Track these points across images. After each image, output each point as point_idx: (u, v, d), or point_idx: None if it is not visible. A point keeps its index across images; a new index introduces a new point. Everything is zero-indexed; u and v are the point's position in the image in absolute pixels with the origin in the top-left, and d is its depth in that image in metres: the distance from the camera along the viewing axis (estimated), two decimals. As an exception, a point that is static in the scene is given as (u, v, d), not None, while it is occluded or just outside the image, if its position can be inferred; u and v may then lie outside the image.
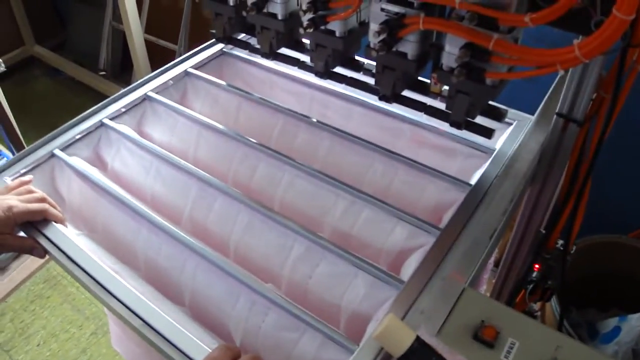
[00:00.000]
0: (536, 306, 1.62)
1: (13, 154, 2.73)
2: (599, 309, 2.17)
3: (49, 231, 1.07)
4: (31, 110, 3.94)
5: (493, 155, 1.15)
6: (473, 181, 1.10)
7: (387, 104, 1.16)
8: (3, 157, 2.74)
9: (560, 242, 1.40)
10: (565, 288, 1.42)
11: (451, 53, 0.97)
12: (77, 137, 1.30)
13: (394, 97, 1.14)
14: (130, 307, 0.92)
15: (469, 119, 1.06)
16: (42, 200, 1.11)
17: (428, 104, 1.13)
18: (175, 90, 1.47)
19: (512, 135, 1.21)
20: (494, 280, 1.69)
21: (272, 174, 1.21)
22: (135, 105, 1.40)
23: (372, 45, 1.05)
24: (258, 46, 1.32)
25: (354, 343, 0.88)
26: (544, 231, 1.38)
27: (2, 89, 2.64)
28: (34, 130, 3.51)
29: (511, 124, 1.25)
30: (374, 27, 1.03)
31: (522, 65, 0.91)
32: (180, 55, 3.29)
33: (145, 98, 1.40)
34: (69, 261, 1.02)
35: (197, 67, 1.51)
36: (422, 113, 1.14)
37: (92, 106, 1.36)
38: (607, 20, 0.75)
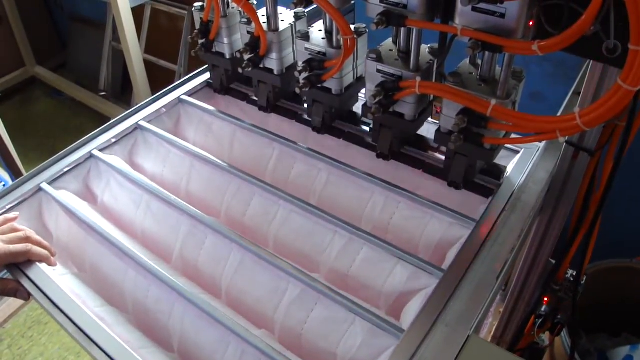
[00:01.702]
0: (545, 336, 1.56)
1: (11, 177, 2.69)
2: (609, 334, 2.11)
3: (32, 272, 1.02)
4: (32, 131, 3.91)
5: (500, 187, 1.09)
6: (478, 215, 1.04)
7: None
8: (1, 182, 2.69)
9: (571, 272, 1.35)
10: (576, 322, 1.36)
11: (448, 117, 0.97)
12: (66, 169, 1.24)
13: (392, 154, 1.15)
14: (113, 357, 0.87)
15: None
16: (25, 240, 1.05)
17: (427, 161, 1.14)
18: (168, 118, 1.42)
19: (519, 164, 1.15)
20: (501, 310, 1.63)
21: (267, 209, 1.16)
22: (127, 135, 1.34)
23: (368, 105, 1.05)
24: (256, 98, 1.31)
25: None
26: (553, 261, 1.33)
27: (2, 110, 2.62)
28: (34, 152, 3.50)
29: (518, 152, 1.19)
30: (370, 88, 1.04)
31: (521, 131, 0.88)
32: (180, 76, 3.28)
33: (137, 127, 1.35)
34: (51, 305, 0.96)
35: (191, 93, 1.46)
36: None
37: (92, 126, 1.31)
38: (611, 89, 0.72)
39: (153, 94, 1.43)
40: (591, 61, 0.93)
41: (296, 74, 1.13)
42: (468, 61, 1.01)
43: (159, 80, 3.32)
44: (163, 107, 1.41)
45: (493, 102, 0.86)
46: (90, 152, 1.27)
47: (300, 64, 1.12)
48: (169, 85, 1.46)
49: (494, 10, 0.79)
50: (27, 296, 1.02)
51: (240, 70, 1.23)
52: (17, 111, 4.14)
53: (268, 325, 1.02)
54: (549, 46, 0.75)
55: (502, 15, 0.79)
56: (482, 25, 0.82)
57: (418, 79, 0.95)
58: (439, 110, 1.01)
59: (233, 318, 0.94)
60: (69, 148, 1.28)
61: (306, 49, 1.12)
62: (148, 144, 1.35)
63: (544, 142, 1.19)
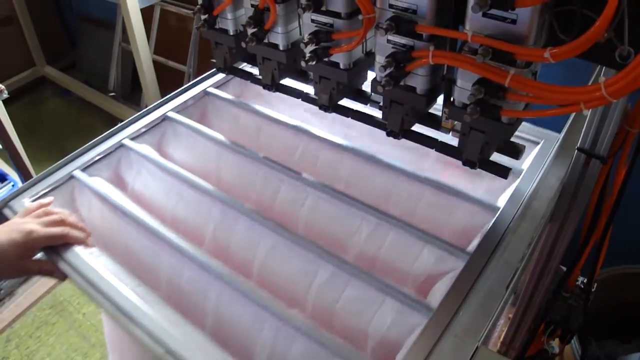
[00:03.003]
0: (555, 343, 1.54)
1: (20, 178, 2.69)
2: (619, 340, 2.09)
3: (69, 254, 1.05)
4: (41, 131, 3.93)
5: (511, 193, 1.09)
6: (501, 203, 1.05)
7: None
8: (10, 182, 2.70)
9: (581, 279, 1.33)
10: (586, 330, 1.34)
11: (463, 88, 0.90)
12: (97, 158, 1.29)
13: (403, 132, 1.07)
14: (154, 334, 0.90)
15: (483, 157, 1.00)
16: (61, 223, 1.07)
17: (440, 139, 1.07)
18: (195, 109, 1.45)
19: (530, 170, 1.14)
20: (510, 315, 1.61)
21: (296, 196, 1.18)
22: (156, 125, 1.39)
23: (378, 79, 0.98)
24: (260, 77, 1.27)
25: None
26: (564, 268, 1.31)
27: (12, 109, 2.62)
28: (43, 152, 3.51)
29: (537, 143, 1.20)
30: (380, 60, 0.97)
31: (542, 103, 0.83)
32: (190, 76, 3.28)
33: (166, 118, 1.40)
34: (89, 286, 1.00)
35: (217, 85, 1.49)
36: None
37: (102, 127, 1.35)
38: (638, 56, 0.67)
39: (162, 95, 1.44)
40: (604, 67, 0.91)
41: (302, 46, 1.06)
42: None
43: (168, 81, 3.33)
44: (190, 98, 1.44)
45: (512, 71, 0.81)
46: (120, 141, 1.30)
47: (306, 36, 1.05)
48: (178, 86, 1.47)
49: (504, 16, 0.78)
50: (63, 277, 1.05)
51: (243, 45, 1.18)
52: (27, 111, 4.15)
53: (300, 305, 1.03)
54: (561, 53, 0.73)
55: (514, 22, 0.77)
56: (492, 31, 0.79)
57: (432, 48, 0.89)
58: (448, 117, 0.98)
59: (268, 297, 0.97)
60: (100, 137, 1.32)
61: (312, 20, 1.05)
62: (177, 134, 1.38)
63: (554, 149, 1.17)
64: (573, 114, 1.17)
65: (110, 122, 3.71)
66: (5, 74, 4.09)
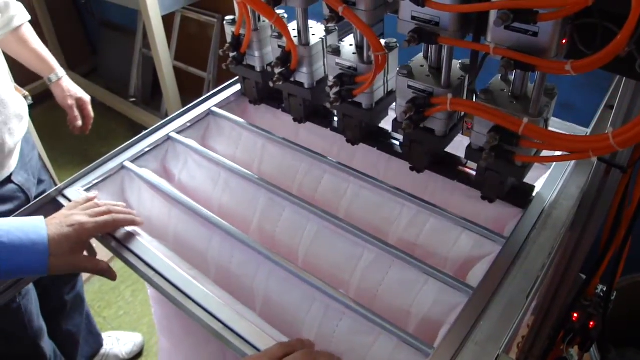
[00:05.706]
0: (574, 351, 1.54)
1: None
2: (638, 348, 2.08)
3: (127, 240, 1.12)
4: (63, 136, 3.95)
5: (531, 203, 1.09)
6: (508, 232, 1.04)
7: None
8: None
9: (601, 287, 1.33)
10: (606, 339, 1.34)
11: (480, 133, 0.96)
12: (146, 149, 1.35)
13: (424, 167, 1.15)
14: (210, 311, 0.95)
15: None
16: (108, 213, 1.12)
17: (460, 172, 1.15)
18: (237, 105, 1.53)
19: (550, 179, 1.14)
20: (529, 323, 1.62)
21: (336, 186, 1.24)
22: (200, 119, 1.46)
23: (399, 120, 1.05)
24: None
25: (429, 346, 0.86)
26: (583, 276, 1.31)
27: (34, 114, 2.64)
28: (65, 156, 3.54)
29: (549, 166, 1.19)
30: (401, 103, 1.04)
31: (552, 150, 0.88)
32: (210, 83, 3.29)
33: (209, 113, 1.47)
34: (147, 268, 1.05)
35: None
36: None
37: (123, 132, 1.40)
38: None
39: (182, 101, 1.48)
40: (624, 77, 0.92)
41: (327, 89, 1.12)
42: (500, 78, 1.00)
43: (189, 87, 3.35)
44: (232, 95, 1.53)
45: (525, 120, 0.84)
46: (168, 134, 1.38)
47: (331, 78, 1.12)
48: (198, 92, 1.50)
49: (526, 29, 0.79)
50: (115, 277, 1.11)
51: (271, 84, 1.24)
52: (49, 116, 4.17)
53: (344, 288, 1.07)
54: (582, 66, 0.74)
55: (535, 34, 0.78)
56: (514, 43, 0.81)
57: (449, 95, 0.94)
58: (470, 126, 1.00)
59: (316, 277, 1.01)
60: (148, 130, 1.40)
61: (337, 63, 1.12)
62: (220, 128, 1.44)
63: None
64: (597, 114, 1.18)
65: (131, 127, 3.75)
66: (28, 79, 4.12)
